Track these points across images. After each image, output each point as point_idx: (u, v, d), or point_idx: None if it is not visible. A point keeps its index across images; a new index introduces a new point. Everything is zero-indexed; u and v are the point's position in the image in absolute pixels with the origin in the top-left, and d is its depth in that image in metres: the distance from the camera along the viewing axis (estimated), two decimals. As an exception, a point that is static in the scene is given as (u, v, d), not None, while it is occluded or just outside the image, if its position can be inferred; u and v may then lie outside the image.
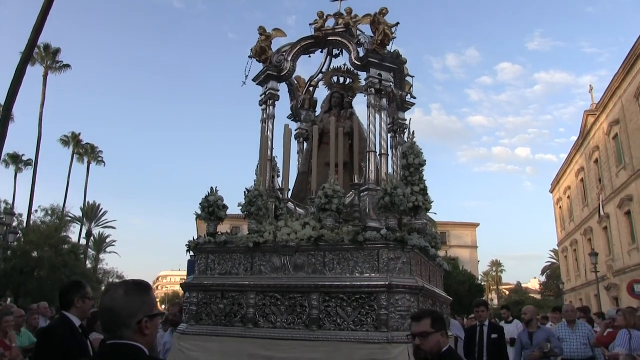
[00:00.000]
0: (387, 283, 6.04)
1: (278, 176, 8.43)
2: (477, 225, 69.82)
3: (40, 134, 46.32)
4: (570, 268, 48.62)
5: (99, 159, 60.12)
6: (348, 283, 6.25)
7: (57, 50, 48.99)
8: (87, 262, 47.96)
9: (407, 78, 9.35)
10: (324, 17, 8.65)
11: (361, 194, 7.47)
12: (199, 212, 7.44)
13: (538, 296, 68.31)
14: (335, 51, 9.22)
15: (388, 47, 7.95)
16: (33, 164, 46.72)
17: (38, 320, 9.70)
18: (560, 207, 52.87)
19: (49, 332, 4.79)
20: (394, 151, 9.12)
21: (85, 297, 4.77)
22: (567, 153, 48.28)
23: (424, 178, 7.96)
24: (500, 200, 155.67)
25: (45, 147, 46.23)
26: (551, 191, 55.68)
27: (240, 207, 7.24)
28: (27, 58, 27.63)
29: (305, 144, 9.49)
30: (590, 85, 42.64)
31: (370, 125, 7.67)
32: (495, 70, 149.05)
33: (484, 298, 11.15)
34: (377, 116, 7.76)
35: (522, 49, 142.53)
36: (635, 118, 30.50)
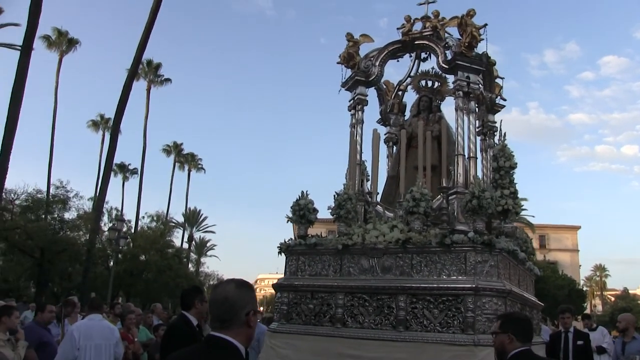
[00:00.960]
0: (474, 286, 6.05)
1: (367, 180, 8.57)
2: (578, 228, 67.15)
3: (145, 145, 49.50)
4: None
5: (199, 166, 62.72)
6: (435, 285, 6.31)
7: (158, 65, 51.78)
8: (190, 265, 49.88)
9: (497, 80, 9.27)
10: (412, 21, 8.72)
11: (450, 198, 7.51)
12: (290, 215, 7.71)
13: None
14: (423, 55, 9.27)
15: (476, 49, 7.93)
16: (139, 173, 50.23)
17: (152, 319, 10.53)
18: None
19: (173, 328, 5.42)
20: (484, 154, 9.08)
21: (203, 300, 5.41)
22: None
23: (515, 181, 7.85)
24: (604, 201, 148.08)
25: (148, 157, 49.18)
26: None
27: (330, 211, 7.44)
28: (132, 75, 29.52)
29: (394, 148, 9.59)
30: None
31: (459, 128, 7.70)
32: (598, 64, 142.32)
33: (568, 305, 10.69)
34: (466, 119, 7.76)
35: (629, 39, 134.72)
36: None
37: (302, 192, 7.72)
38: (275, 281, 8.07)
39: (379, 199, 8.58)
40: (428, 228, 6.83)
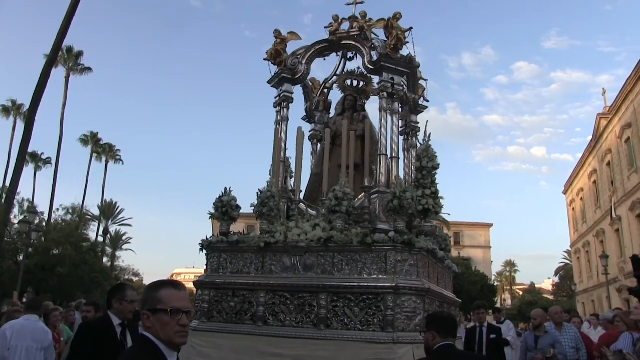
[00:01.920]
0: (393, 285, 6.15)
1: (291, 177, 8.57)
2: (490, 225, 70.22)
3: (62, 134, 47.04)
4: (583, 270, 48.59)
5: (117, 157, 60.64)
6: (356, 284, 6.36)
7: (79, 54, 49.50)
8: (105, 259, 48.40)
9: (421, 82, 9.43)
10: (339, 20, 8.77)
11: (372, 197, 7.59)
12: (212, 212, 7.61)
13: (552, 297, 68.34)
14: (350, 54, 9.34)
15: (401, 52, 8.05)
16: (54, 164, 47.29)
17: (74, 316, 10.22)
18: (573, 208, 52.87)
19: (86, 326, 5.27)
20: (406, 154, 9.23)
21: (124, 300, 5.14)
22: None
23: (436, 182, 8.02)
24: (515, 200, 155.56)
25: (64, 147, 46.97)
26: (564, 193, 55.64)
27: (253, 208, 7.39)
28: (51, 62, 28.15)
29: (319, 145, 9.60)
30: (603, 89, 43.00)
31: (382, 128, 7.79)
32: (512, 69, 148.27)
33: (483, 301, 11.92)
34: (389, 119, 7.87)
35: (538, 48, 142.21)
36: (647, 122, 30.44)
37: (226, 188, 7.63)
38: (191, 276, 7.96)
39: (303, 197, 8.60)
40: (350, 227, 6.88)
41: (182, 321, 2.51)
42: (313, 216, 7.65)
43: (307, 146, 9.76)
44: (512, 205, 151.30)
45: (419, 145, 8.74)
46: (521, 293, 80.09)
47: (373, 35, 8.46)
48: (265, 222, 7.31)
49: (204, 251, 7.58)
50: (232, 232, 7.50)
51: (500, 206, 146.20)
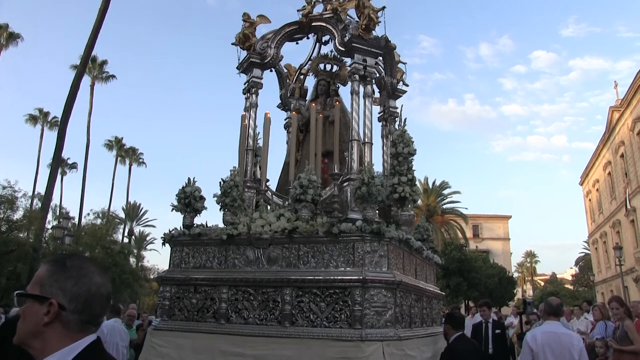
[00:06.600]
0: (361, 278, 5.71)
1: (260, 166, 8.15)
2: (509, 217, 70.51)
3: (89, 141, 47.81)
4: (601, 260, 49.25)
5: (140, 160, 61.99)
6: (322, 277, 5.92)
7: (104, 62, 50.38)
8: (131, 259, 49.23)
9: (400, 65, 9.01)
10: (312, 2, 8.35)
11: (343, 185, 7.16)
12: (175, 204, 7.19)
13: (572, 287, 68.19)
14: (325, 38, 8.92)
15: (375, 32, 7.61)
16: (82, 169, 48.13)
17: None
18: (590, 199, 53.69)
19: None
20: (384, 140, 8.82)
21: None
22: (602, 143, 48.60)
23: (413, 168, 7.59)
24: (536, 189, 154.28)
25: (89, 151, 48.08)
26: (581, 184, 56.26)
27: (216, 199, 6.97)
28: (80, 75, 29.31)
29: (294, 134, 9.17)
30: (615, 82, 42.81)
31: (354, 113, 7.34)
32: (530, 58, 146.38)
33: (486, 299, 12.50)
34: (362, 103, 7.43)
35: (556, 36, 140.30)
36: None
37: (189, 178, 7.20)
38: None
39: (275, 187, 8.20)
40: (317, 216, 6.45)
41: None
42: (279, 206, 7.24)
43: (283, 135, 9.39)
44: (532, 194, 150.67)
45: (396, 130, 8.30)
46: (542, 284, 79.63)
47: (348, 18, 8.03)
48: (228, 213, 6.88)
49: (167, 245, 7.18)
50: (195, 225, 7.07)
51: (520, 196, 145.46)
